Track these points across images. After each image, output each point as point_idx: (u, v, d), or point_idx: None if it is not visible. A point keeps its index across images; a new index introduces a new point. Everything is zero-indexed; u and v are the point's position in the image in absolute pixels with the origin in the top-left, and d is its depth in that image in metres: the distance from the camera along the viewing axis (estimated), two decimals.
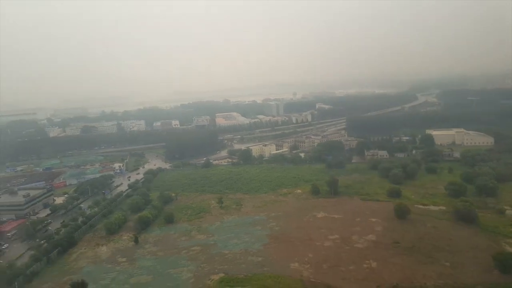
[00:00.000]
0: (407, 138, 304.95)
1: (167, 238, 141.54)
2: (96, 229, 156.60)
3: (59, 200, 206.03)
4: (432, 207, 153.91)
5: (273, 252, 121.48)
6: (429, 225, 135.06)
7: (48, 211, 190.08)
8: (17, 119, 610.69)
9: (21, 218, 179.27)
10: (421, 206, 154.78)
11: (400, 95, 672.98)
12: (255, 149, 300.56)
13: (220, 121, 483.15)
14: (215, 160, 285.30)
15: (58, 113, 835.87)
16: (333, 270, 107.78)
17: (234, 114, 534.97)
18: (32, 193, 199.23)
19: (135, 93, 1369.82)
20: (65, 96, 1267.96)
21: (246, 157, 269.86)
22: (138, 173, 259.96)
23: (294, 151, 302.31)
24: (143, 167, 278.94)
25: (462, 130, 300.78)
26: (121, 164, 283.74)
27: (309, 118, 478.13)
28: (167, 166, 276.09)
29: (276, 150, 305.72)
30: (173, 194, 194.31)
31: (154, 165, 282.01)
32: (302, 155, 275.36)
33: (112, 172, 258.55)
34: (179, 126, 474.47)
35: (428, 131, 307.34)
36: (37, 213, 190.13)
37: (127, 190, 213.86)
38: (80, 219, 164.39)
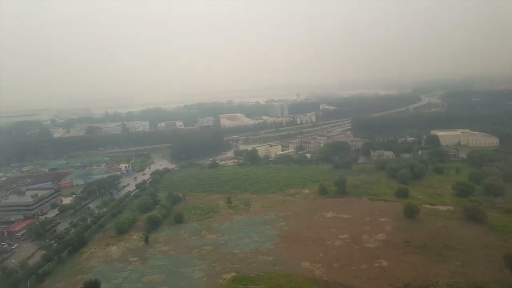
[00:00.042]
0: (413, 138, 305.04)
1: (177, 238, 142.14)
2: (105, 229, 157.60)
3: (67, 200, 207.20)
4: (440, 207, 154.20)
5: (284, 252, 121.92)
6: (439, 224, 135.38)
7: (56, 211, 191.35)
8: (21, 120, 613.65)
9: (29, 218, 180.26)
10: (429, 206, 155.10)
11: (404, 97, 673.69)
12: (261, 149, 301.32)
13: (225, 122, 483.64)
14: (221, 161, 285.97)
15: (61, 114, 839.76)
16: (345, 269, 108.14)
17: (239, 115, 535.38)
18: (40, 193, 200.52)
19: (135, 93, 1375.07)
20: (66, 96, 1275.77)
21: (252, 157, 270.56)
22: (144, 174, 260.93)
23: (300, 152, 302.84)
24: (149, 168, 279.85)
25: (467, 131, 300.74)
26: (127, 165, 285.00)
27: (314, 119, 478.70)
28: (173, 166, 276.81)
29: (282, 151, 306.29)
30: (180, 194, 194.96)
31: (160, 165, 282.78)
32: (308, 155, 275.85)
33: (118, 173, 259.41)
34: (183, 127, 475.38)
35: (433, 132, 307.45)
36: (45, 213, 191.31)
37: (134, 190, 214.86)
38: (90, 219, 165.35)
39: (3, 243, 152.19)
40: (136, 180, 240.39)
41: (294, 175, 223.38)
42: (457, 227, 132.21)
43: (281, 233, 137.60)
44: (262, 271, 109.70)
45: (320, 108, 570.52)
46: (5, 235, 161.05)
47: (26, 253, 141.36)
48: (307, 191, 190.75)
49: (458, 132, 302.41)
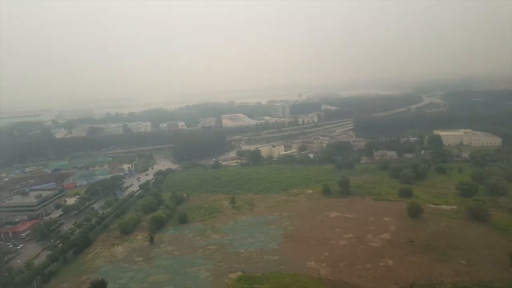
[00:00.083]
0: (415, 138, 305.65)
1: (182, 238, 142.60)
2: (110, 229, 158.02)
3: (71, 201, 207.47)
4: (444, 207, 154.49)
5: (289, 251, 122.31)
6: (442, 224, 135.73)
7: (60, 211, 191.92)
8: (22, 121, 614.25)
9: (34, 219, 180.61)
10: (433, 206, 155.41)
11: (405, 97, 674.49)
12: (264, 150, 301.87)
13: (227, 122, 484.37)
14: (224, 161, 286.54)
15: (63, 115, 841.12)
16: (350, 268, 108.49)
17: (240, 115, 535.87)
18: (44, 194, 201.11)
19: (135, 93, 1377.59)
20: (66, 97, 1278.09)
21: (255, 157, 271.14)
22: (147, 174, 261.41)
23: (302, 152, 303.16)
24: (152, 168, 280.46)
25: (469, 130, 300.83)
26: (130, 165, 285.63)
27: (316, 119, 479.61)
28: (176, 167, 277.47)
29: (284, 151, 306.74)
30: (184, 195, 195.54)
31: (163, 166, 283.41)
32: (311, 155, 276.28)
33: (121, 173, 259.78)
34: (185, 127, 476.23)
35: (435, 132, 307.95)
36: (49, 213, 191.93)
37: (138, 190, 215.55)
38: (94, 219, 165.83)
39: (8, 244, 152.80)
40: (139, 181, 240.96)
41: (297, 175, 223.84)
42: (461, 227, 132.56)
43: (285, 233, 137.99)
44: (268, 270, 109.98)
45: (322, 108, 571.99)
46: (10, 235, 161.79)
47: (31, 253, 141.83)
48: (310, 191, 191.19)
49: (460, 132, 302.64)
